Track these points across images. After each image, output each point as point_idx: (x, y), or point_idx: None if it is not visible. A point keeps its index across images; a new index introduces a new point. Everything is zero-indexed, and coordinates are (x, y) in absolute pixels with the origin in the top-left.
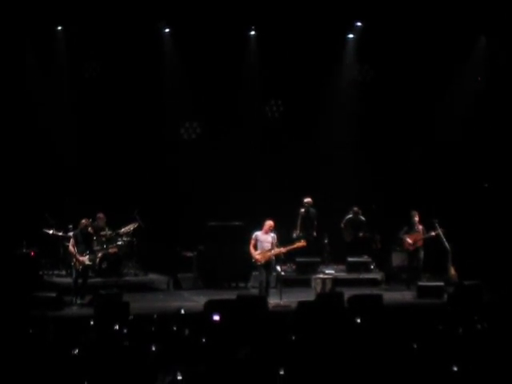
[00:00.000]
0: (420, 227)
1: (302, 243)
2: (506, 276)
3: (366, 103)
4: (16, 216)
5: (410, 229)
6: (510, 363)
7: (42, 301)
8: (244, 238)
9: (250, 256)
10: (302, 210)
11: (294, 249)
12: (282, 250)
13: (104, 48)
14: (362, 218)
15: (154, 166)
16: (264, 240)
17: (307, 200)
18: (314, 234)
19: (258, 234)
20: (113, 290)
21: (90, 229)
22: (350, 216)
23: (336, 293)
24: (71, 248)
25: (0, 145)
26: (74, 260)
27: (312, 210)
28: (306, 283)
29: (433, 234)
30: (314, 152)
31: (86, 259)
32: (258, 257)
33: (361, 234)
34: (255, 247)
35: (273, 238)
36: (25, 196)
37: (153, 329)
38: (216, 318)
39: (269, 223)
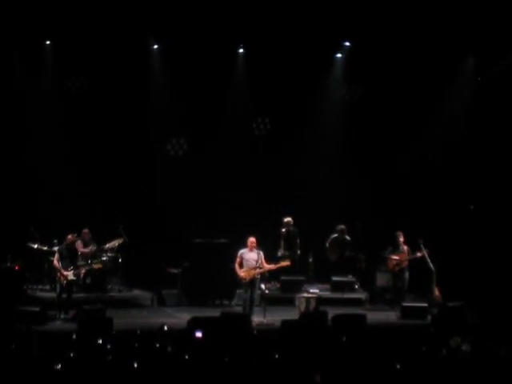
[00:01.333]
0: (405, 248)
1: (286, 263)
2: (489, 297)
3: (353, 122)
4: (1, 230)
5: (395, 249)
6: None
7: (25, 315)
8: (229, 256)
9: (235, 274)
10: (283, 229)
11: (279, 268)
12: (267, 267)
13: (92, 64)
14: (348, 238)
15: (140, 182)
16: (249, 258)
17: (287, 220)
18: (298, 252)
19: (244, 251)
20: (96, 305)
21: (77, 243)
22: (336, 235)
23: (320, 312)
24: (56, 263)
25: None
26: (59, 275)
27: (293, 229)
28: (290, 302)
29: (418, 255)
30: (301, 170)
31: (70, 274)
32: (242, 274)
33: (347, 254)
34: (240, 265)
35: (259, 254)
36: (10, 210)
37: (136, 345)
38: (198, 334)
39: (251, 240)
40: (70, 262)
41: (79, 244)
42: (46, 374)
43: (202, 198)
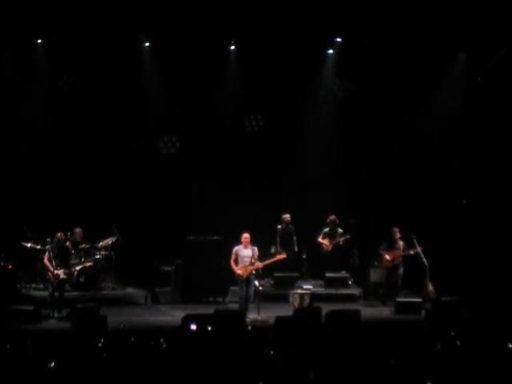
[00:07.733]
0: (401, 244)
1: (282, 255)
2: (483, 292)
3: (345, 118)
4: None
5: (391, 246)
6: (486, 379)
7: (19, 314)
8: (222, 253)
9: (231, 271)
10: (279, 226)
11: (275, 261)
12: (261, 264)
13: (83, 62)
14: (340, 230)
15: (132, 180)
16: (244, 255)
17: (285, 216)
18: (296, 249)
19: (238, 248)
20: (90, 303)
21: (67, 243)
22: (327, 229)
23: (314, 308)
24: (46, 261)
25: None
26: (50, 273)
27: (290, 226)
28: (284, 298)
29: (412, 252)
30: (294, 166)
31: (61, 273)
32: (239, 271)
33: (341, 239)
34: (236, 262)
35: (253, 250)
36: (2, 209)
37: (130, 343)
38: (193, 327)
39: (245, 236)
40: (61, 260)
41: (68, 244)
42: (40, 373)
43: (195, 195)
